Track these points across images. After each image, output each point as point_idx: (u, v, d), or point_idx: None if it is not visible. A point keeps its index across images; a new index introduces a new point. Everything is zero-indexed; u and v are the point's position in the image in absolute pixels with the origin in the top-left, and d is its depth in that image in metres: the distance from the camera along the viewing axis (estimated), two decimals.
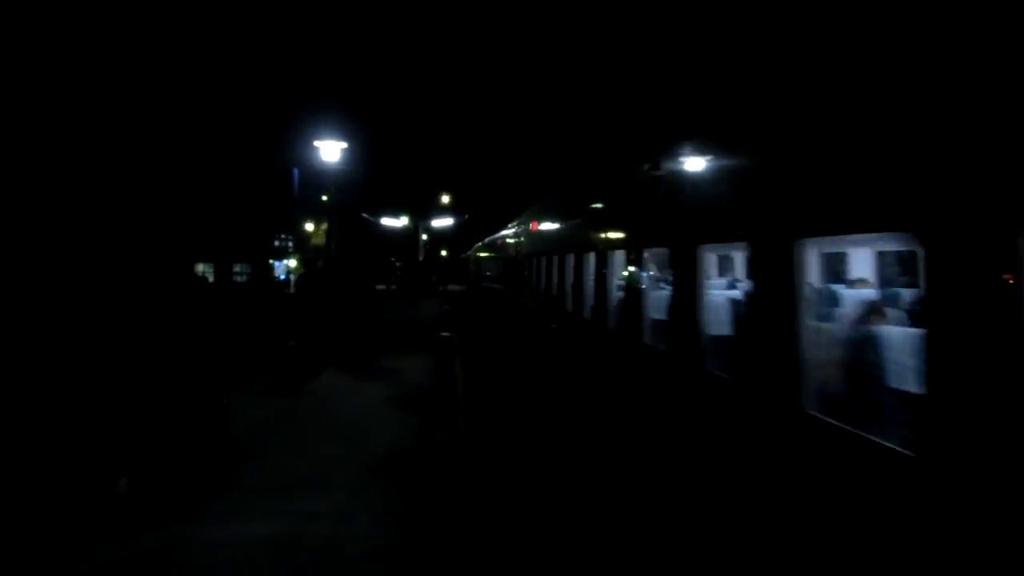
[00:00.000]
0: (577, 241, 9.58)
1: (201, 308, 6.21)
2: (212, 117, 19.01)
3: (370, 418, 8.73)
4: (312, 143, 18.66)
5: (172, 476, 5.99)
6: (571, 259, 9.77)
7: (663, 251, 5.75)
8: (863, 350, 3.57)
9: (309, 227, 45.24)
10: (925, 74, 2.47)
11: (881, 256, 5.37)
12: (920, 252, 2.43)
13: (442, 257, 60.09)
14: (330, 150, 18.36)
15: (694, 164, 4.83)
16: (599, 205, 8.47)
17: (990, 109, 2.16)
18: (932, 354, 2.40)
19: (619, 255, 7.31)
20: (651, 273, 6.71)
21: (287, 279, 40.34)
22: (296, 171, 39.03)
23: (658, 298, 6.06)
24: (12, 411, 6.38)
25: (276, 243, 40.19)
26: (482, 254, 34.46)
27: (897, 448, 2.66)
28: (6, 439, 5.91)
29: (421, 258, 43.80)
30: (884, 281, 5.24)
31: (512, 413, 9.51)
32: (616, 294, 7.35)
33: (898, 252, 5.03)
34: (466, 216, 56.55)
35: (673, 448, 5.20)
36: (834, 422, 3.08)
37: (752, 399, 3.85)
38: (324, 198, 31.44)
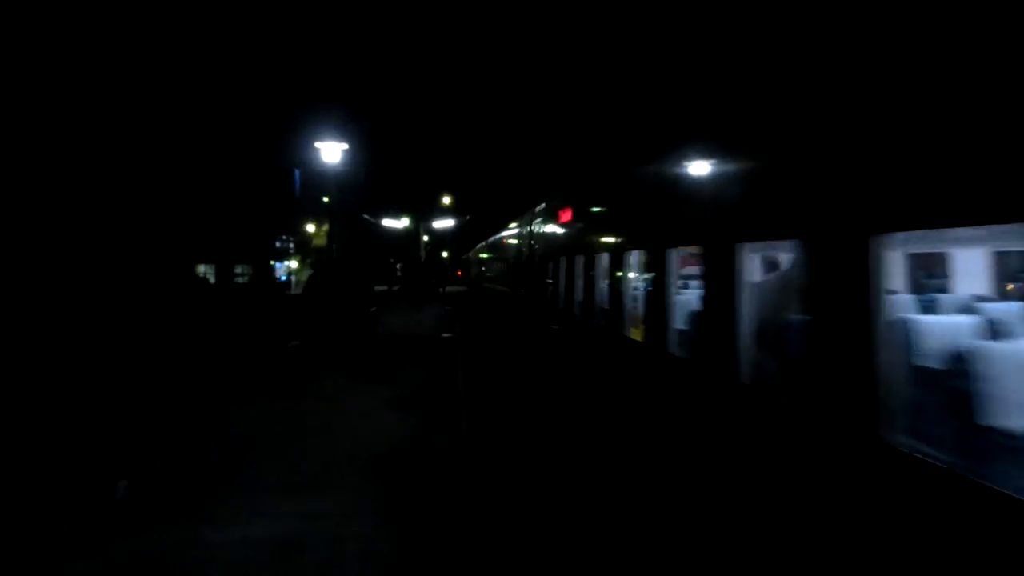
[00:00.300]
0: (572, 243, 9.62)
1: (203, 308, 6.20)
2: (213, 118, 19.01)
3: (372, 419, 8.73)
4: (313, 144, 18.66)
5: (173, 477, 5.98)
6: (565, 261, 9.84)
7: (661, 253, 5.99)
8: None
9: (310, 228, 45.24)
10: (795, 136, 3.46)
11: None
12: (801, 254, 3.26)
13: (443, 258, 60.04)
14: (331, 151, 18.36)
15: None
16: (593, 211, 8.56)
17: (838, 159, 3.02)
18: (809, 331, 3.21)
19: (616, 257, 7.37)
20: (645, 275, 6.84)
21: (288, 280, 40.34)
22: (297, 172, 39.00)
23: (638, 296, 6.64)
24: (12, 412, 6.38)
25: (277, 244, 40.16)
26: (483, 255, 34.38)
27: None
28: (6, 440, 5.90)
29: (423, 259, 43.68)
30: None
31: (512, 413, 9.51)
32: (607, 294, 7.53)
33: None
34: (467, 217, 56.59)
35: (671, 444, 5.20)
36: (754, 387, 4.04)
37: (700, 373, 4.56)
38: (325, 199, 31.42)
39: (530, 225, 15.49)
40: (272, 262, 36.10)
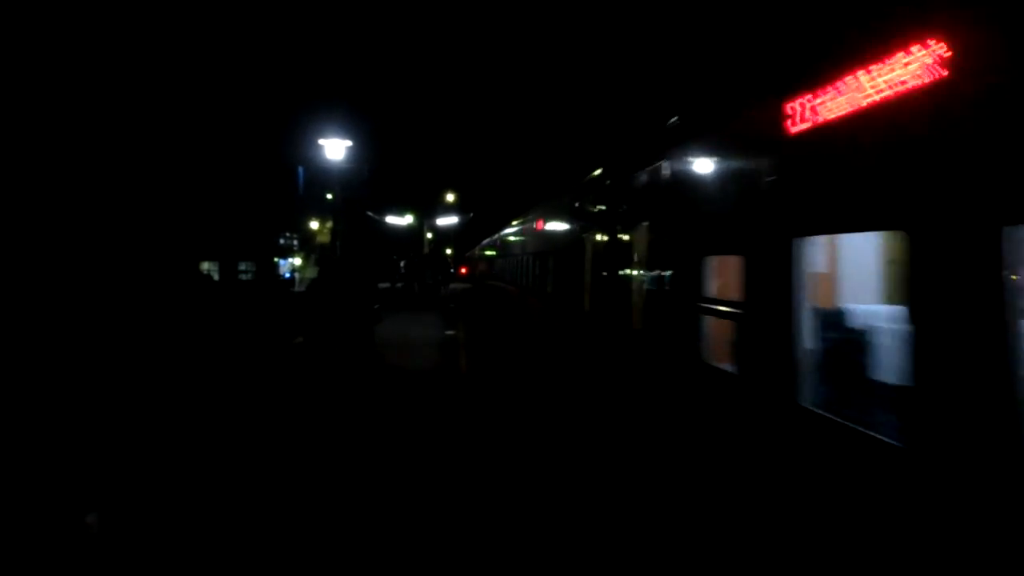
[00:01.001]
0: (572, 239, 9.59)
1: (206, 306, 6.21)
2: (217, 116, 19.07)
3: (374, 417, 8.77)
4: (317, 141, 18.72)
5: (171, 478, 6.00)
6: (563, 258, 9.84)
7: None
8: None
9: (314, 225, 45.30)
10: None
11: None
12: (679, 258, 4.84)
13: (446, 255, 59.97)
14: (335, 148, 18.42)
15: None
16: (592, 208, 8.48)
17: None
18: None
19: (613, 254, 7.35)
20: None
21: (292, 277, 40.36)
22: (301, 169, 39.04)
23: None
24: (12, 412, 6.40)
25: (281, 241, 40.20)
26: (487, 252, 34.28)
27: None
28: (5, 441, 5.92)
29: (427, 254, 43.50)
30: None
31: (513, 409, 9.53)
32: (601, 285, 7.58)
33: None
34: (471, 214, 56.62)
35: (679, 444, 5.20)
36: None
37: (626, 333, 6.12)
38: (329, 196, 31.45)
39: (533, 223, 15.24)
40: (276, 259, 36.16)
